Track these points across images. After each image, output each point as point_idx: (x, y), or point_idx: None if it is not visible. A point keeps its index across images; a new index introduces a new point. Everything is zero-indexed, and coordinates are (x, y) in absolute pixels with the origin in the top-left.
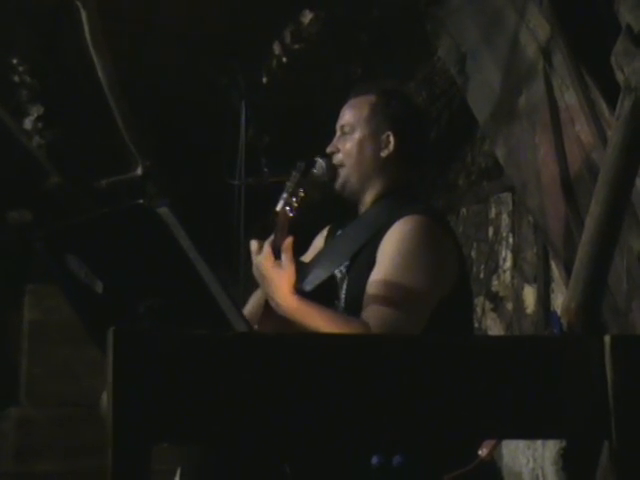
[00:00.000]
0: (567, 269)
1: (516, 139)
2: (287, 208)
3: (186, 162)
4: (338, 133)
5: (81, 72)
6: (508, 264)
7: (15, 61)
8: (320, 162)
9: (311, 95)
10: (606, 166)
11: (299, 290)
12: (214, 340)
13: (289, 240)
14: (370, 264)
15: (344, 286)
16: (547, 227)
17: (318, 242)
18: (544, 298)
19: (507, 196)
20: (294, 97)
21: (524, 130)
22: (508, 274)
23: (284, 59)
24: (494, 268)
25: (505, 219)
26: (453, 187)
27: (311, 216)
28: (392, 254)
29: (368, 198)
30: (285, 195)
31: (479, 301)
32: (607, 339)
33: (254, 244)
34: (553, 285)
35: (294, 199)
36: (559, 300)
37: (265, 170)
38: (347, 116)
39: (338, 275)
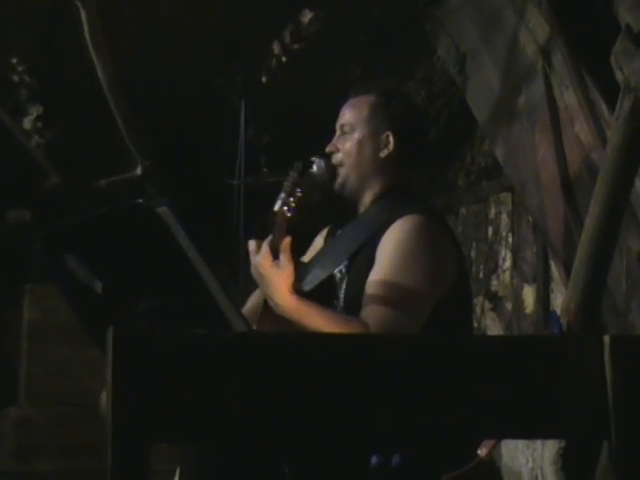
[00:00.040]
0: (566, 269)
1: (515, 139)
2: (285, 208)
3: (185, 162)
4: (338, 133)
5: (80, 72)
6: (507, 264)
7: (14, 60)
8: (319, 162)
9: (310, 94)
10: (605, 166)
11: (298, 290)
12: (213, 340)
13: (287, 240)
14: (369, 264)
15: (343, 286)
16: (546, 227)
17: (318, 242)
18: (543, 298)
19: (506, 196)
20: (293, 97)
21: (523, 130)
22: (507, 274)
23: (283, 59)
24: (493, 268)
25: (504, 219)
26: (452, 187)
27: (310, 216)
28: (391, 254)
29: (367, 198)
30: (283, 195)
31: (478, 301)
32: (606, 339)
33: (252, 244)
34: (552, 285)
35: (291, 199)
36: (558, 300)
37: (264, 170)
38: (347, 116)
39: (338, 275)
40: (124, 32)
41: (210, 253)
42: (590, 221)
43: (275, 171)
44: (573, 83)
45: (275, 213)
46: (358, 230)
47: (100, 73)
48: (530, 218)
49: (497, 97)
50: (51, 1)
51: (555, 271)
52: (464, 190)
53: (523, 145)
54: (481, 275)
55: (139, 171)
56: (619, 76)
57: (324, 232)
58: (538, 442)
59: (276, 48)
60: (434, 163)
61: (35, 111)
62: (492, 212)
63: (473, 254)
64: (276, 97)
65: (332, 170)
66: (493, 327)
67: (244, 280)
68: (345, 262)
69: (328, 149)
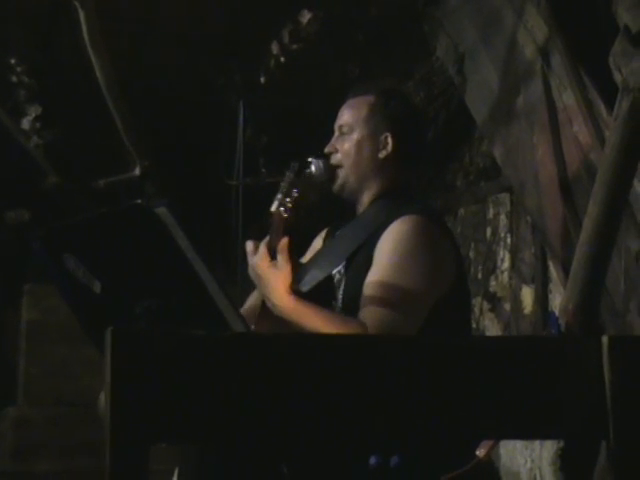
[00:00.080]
0: (565, 269)
1: (514, 139)
2: (281, 209)
3: (184, 162)
4: (336, 133)
5: (79, 72)
6: (506, 264)
7: (13, 61)
8: (318, 162)
9: (309, 95)
10: (604, 166)
11: (296, 290)
12: (211, 340)
13: (285, 240)
14: (367, 264)
15: (341, 286)
16: (545, 227)
17: (317, 243)
18: (542, 298)
19: (505, 196)
20: (292, 97)
21: (522, 130)
22: (506, 274)
23: (282, 59)
24: (492, 268)
25: (503, 219)
26: (451, 187)
27: (309, 217)
28: (389, 254)
29: (366, 198)
30: (279, 196)
31: (477, 301)
32: (605, 340)
33: (250, 245)
34: (551, 285)
35: (288, 200)
36: (557, 300)
37: (263, 170)
38: (345, 116)
39: (336, 276)
40: (123, 32)
41: (209, 253)
42: (589, 221)
43: (273, 171)
44: (572, 83)
45: (272, 214)
46: (356, 231)
47: (98, 73)
48: (529, 218)
49: (496, 97)
50: (50, 1)
51: (554, 271)
52: (463, 191)
53: (522, 145)
54: (480, 276)
55: (138, 171)
56: (617, 76)
57: (323, 233)
58: (537, 442)
59: (275, 48)
60: (433, 163)
61: (34, 111)
62: (491, 212)
63: (472, 255)
64: (275, 97)
65: (331, 171)
66: (492, 328)
67: (242, 280)
68: (343, 263)
69: (327, 150)
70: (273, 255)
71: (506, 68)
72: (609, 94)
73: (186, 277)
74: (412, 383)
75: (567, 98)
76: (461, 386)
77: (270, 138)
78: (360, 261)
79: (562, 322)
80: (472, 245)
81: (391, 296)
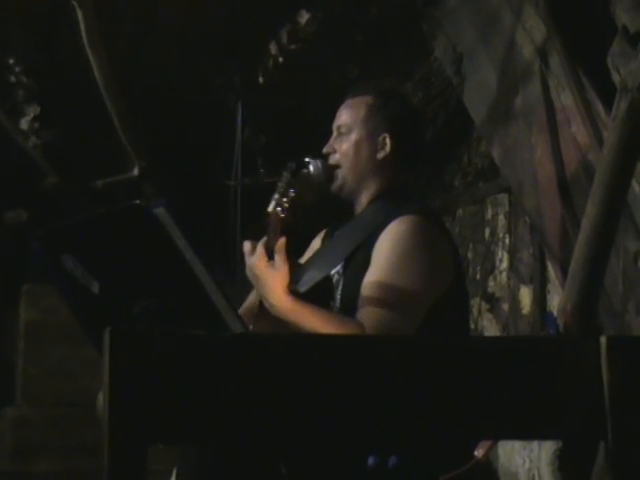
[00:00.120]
0: (563, 270)
1: (512, 140)
2: (278, 209)
3: (182, 162)
4: (335, 133)
5: (77, 72)
6: (504, 265)
7: (11, 61)
8: (316, 162)
9: (307, 95)
10: (602, 167)
11: (294, 291)
12: (210, 341)
13: (282, 240)
14: (365, 264)
15: (340, 287)
16: (543, 228)
17: (315, 244)
18: (540, 299)
19: (503, 197)
20: (290, 97)
21: (520, 131)
22: (504, 275)
23: (280, 59)
24: (490, 269)
25: (501, 220)
26: (449, 188)
27: (308, 217)
28: (387, 254)
29: (364, 199)
30: (276, 196)
31: (475, 302)
32: (603, 340)
33: (247, 245)
34: (549, 286)
35: (285, 200)
36: (555, 301)
37: (261, 170)
38: (344, 117)
39: (335, 276)
40: (122, 32)
41: (207, 253)
42: (587, 222)
43: (272, 172)
44: (570, 84)
45: (269, 214)
46: (355, 231)
47: (97, 73)
48: (527, 219)
49: (494, 98)
50: (49, 2)
51: (552, 272)
52: (461, 191)
53: (520, 146)
54: (478, 276)
55: (136, 172)
56: (616, 77)
57: (322, 234)
58: (535, 443)
59: (273, 49)
60: (431, 164)
61: (32, 112)
62: (489, 213)
63: (470, 255)
64: (273, 98)
65: (329, 171)
66: (490, 328)
67: (241, 280)
68: (341, 263)
69: (325, 150)
70: (271, 255)
71: (504, 68)
72: (607, 94)
73: (184, 277)
74: (410, 383)
75: (565, 98)
76: (459, 386)
77: (269, 138)
78: (358, 261)
79: (560, 322)
80: (470, 245)
81: (389, 296)
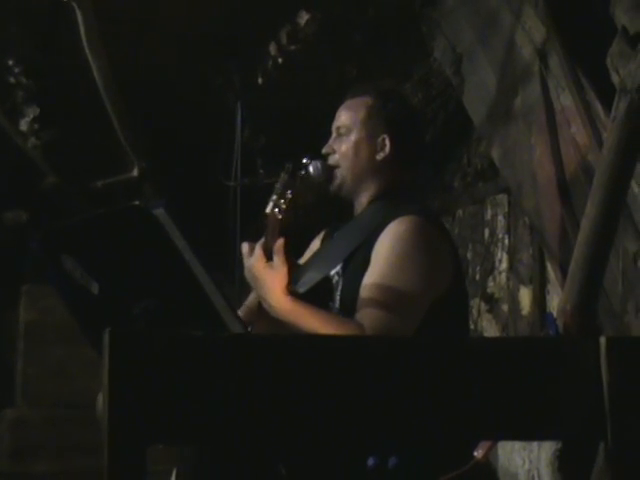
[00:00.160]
0: (563, 270)
1: (512, 140)
2: (276, 210)
3: (182, 163)
4: (334, 134)
5: (77, 73)
6: (504, 265)
7: (11, 62)
8: (316, 163)
9: (307, 96)
10: (602, 168)
11: (293, 291)
12: (209, 341)
13: (280, 241)
14: (365, 265)
15: (339, 287)
16: (543, 228)
17: (315, 245)
18: (540, 299)
19: (503, 197)
20: (290, 98)
21: (520, 131)
22: (504, 275)
23: (280, 60)
24: (490, 269)
25: (501, 220)
26: (449, 188)
27: (307, 217)
28: (386, 254)
29: (364, 199)
30: (274, 197)
31: (475, 302)
32: (602, 341)
33: (245, 247)
34: (549, 286)
35: (282, 201)
36: (555, 301)
37: (261, 171)
38: (343, 117)
39: (334, 277)
40: (120, 33)
41: (206, 254)
42: (586, 222)
43: (271, 172)
44: (569, 85)
45: (266, 216)
46: (354, 232)
47: (96, 74)
48: (526, 219)
49: (493, 98)
50: (48, 2)
51: (551, 272)
52: (460, 192)
53: (519, 147)
54: (477, 277)
55: (135, 172)
56: (615, 78)
57: (321, 235)
58: (534, 443)
59: (273, 49)
60: (430, 164)
61: (32, 112)
62: (488, 214)
63: (469, 256)
64: (273, 98)
65: (329, 171)
66: (489, 329)
67: (240, 281)
68: (341, 264)
69: (324, 150)
70: (269, 256)
71: (504, 69)
72: (607, 95)
73: (184, 278)
74: (410, 384)
75: (565, 99)
76: (459, 387)
77: (268, 139)
78: (357, 262)
79: (560, 323)
80: (470, 246)
81: (388, 297)
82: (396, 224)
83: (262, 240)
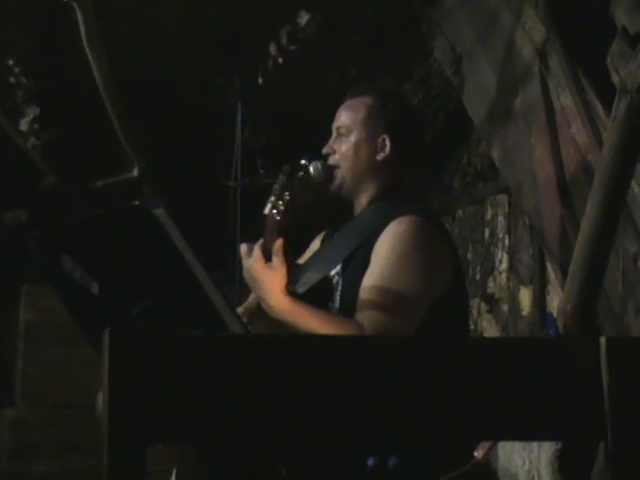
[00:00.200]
0: (563, 271)
1: (512, 140)
2: (274, 211)
3: (182, 163)
4: (334, 134)
5: (77, 73)
6: (504, 266)
7: (11, 62)
8: (316, 164)
9: (307, 96)
10: (602, 168)
11: (292, 292)
12: (209, 341)
13: (279, 242)
14: (364, 265)
15: (339, 288)
16: (543, 229)
17: (314, 245)
18: (540, 300)
19: (503, 198)
20: (290, 98)
21: (520, 132)
22: (504, 276)
23: (280, 60)
24: (490, 270)
25: (501, 221)
26: (449, 188)
27: (307, 218)
28: (386, 255)
29: (364, 199)
30: (272, 198)
31: (475, 303)
32: (602, 341)
33: (244, 247)
34: (549, 287)
35: (280, 202)
36: (555, 302)
37: (261, 171)
38: (343, 117)
39: (334, 277)
40: (121, 33)
41: (206, 254)
42: (586, 223)
43: (271, 172)
44: (569, 85)
45: (265, 216)
46: (354, 232)
47: (96, 74)
48: (526, 220)
49: (493, 98)
50: (47, 2)
51: (551, 273)
52: (460, 192)
53: (519, 147)
54: (477, 277)
55: (136, 172)
56: (615, 78)
57: (321, 235)
58: (534, 444)
59: (272, 49)
60: (430, 165)
61: (32, 112)
62: (488, 214)
63: (469, 256)
64: (273, 98)
65: (329, 172)
66: (489, 329)
67: (240, 281)
68: (341, 264)
69: (324, 151)
70: (268, 257)
71: (504, 69)
72: (607, 95)
73: (183, 278)
74: (410, 384)
75: (565, 99)
76: (459, 387)
77: (268, 139)
78: (357, 262)
79: (560, 323)
80: (470, 246)
81: (388, 297)
82: (396, 224)
83: (261, 241)
